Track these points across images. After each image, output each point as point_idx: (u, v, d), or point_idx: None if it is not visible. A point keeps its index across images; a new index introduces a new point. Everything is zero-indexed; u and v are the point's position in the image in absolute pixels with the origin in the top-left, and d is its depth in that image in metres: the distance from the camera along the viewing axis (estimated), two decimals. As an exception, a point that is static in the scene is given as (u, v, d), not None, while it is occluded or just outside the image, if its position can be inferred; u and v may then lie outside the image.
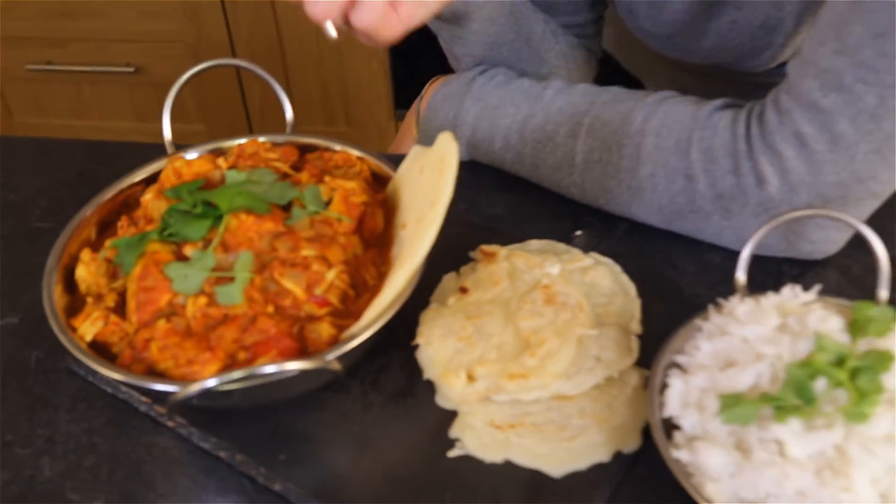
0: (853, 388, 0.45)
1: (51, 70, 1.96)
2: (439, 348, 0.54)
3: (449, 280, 0.61)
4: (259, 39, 1.88)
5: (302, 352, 0.48)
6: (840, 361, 0.46)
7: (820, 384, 0.46)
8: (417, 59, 1.12)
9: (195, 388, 0.44)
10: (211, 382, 0.44)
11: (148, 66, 1.94)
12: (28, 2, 1.91)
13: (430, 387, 0.54)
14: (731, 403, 0.46)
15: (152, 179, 0.60)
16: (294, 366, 0.44)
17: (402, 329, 0.56)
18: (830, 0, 0.55)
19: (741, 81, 0.79)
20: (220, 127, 1.95)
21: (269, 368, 0.43)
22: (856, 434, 0.44)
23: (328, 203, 0.54)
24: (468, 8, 0.71)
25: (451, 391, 0.53)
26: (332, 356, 0.46)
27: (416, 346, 0.56)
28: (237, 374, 0.43)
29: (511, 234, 0.64)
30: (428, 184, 0.52)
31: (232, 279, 0.49)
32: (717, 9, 0.72)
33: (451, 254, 0.62)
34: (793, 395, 0.46)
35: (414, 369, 0.55)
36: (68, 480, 0.51)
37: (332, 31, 0.53)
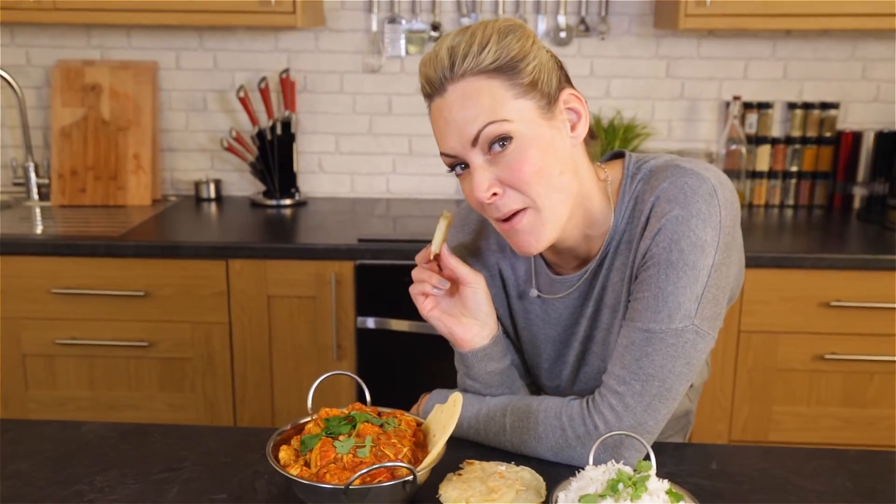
0: (634, 487, 1.06)
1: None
2: (451, 494, 1.13)
3: (450, 475, 1.20)
4: (257, 423, 2.50)
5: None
6: (629, 478, 1.08)
7: (620, 486, 1.06)
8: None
9: (353, 478, 1.02)
10: (357, 476, 1.02)
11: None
12: (81, 398, 2.50)
13: (447, 512, 1.12)
14: (586, 497, 1.06)
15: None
16: (398, 464, 1.03)
17: (431, 491, 1.14)
18: (617, 344, 1.27)
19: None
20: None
21: (388, 463, 1.02)
22: (636, 504, 1.04)
23: (399, 424, 1.16)
24: (473, 363, 1.34)
25: (458, 510, 1.10)
26: (412, 472, 1.05)
27: (439, 495, 1.14)
28: (376, 465, 1.02)
29: (480, 459, 1.25)
30: (445, 416, 1.16)
31: (364, 447, 1.09)
32: (580, 366, 1.43)
33: (449, 466, 1.22)
34: (610, 491, 1.06)
35: (438, 505, 1.13)
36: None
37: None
